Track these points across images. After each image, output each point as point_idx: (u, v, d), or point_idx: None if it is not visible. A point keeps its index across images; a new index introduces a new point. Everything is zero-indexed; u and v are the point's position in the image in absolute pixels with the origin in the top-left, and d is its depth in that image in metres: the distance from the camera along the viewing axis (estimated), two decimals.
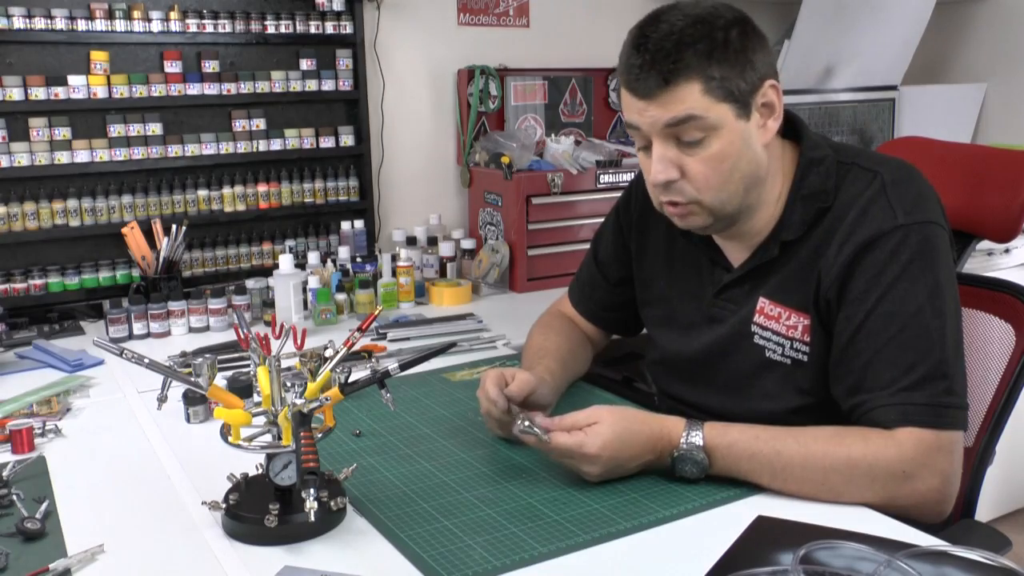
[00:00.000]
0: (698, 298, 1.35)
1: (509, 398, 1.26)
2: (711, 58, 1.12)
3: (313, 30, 2.37)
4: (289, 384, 1.11)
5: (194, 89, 2.26)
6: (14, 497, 1.17)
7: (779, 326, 1.24)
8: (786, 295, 1.23)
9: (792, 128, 1.27)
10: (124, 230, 2.12)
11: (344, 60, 2.45)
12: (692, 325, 1.35)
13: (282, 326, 1.30)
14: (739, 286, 1.29)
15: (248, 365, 1.66)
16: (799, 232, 1.22)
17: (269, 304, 2.09)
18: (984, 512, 1.45)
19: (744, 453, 1.14)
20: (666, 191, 1.20)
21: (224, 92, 2.29)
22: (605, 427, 1.15)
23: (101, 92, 2.15)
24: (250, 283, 2.15)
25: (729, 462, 1.15)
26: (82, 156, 2.16)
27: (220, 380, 1.17)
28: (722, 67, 1.12)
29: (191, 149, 2.27)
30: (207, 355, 1.25)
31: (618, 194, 1.53)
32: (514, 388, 1.27)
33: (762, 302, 1.26)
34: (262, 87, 2.34)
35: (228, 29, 2.27)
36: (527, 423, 1.17)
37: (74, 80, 2.12)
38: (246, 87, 2.32)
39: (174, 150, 2.26)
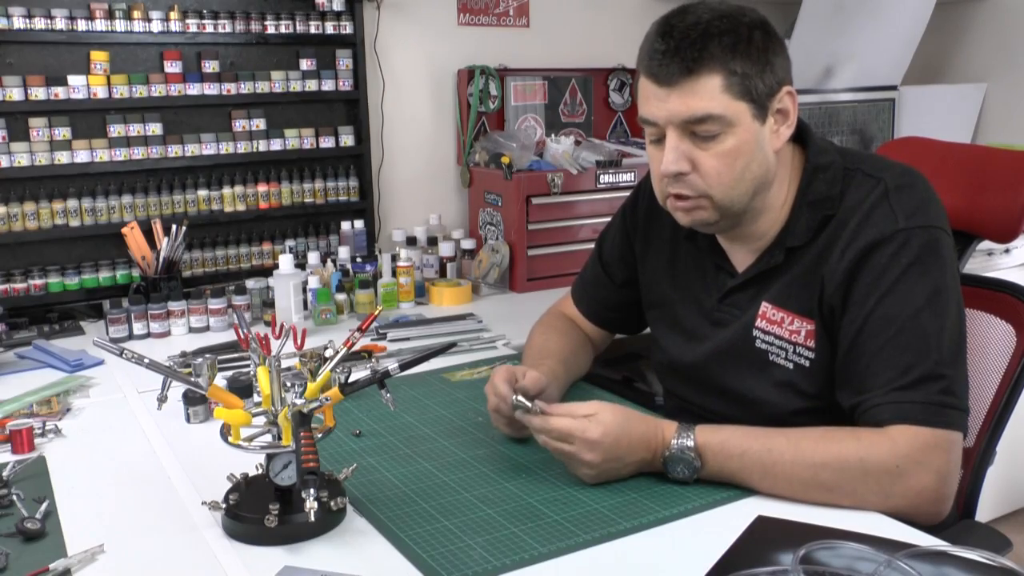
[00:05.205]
0: (702, 302, 1.35)
1: (522, 393, 1.27)
2: (735, 52, 1.13)
3: (313, 30, 2.37)
4: (289, 384, 1.11)
5: (194, 89, 2.26)
6: (14, 497, 1.17)
7: (782, 331, 1.24)
8: (789, 300, 1.23)
9: (798, 132, 1.27)
10: (124, 230, 2.12)
11: (344, 60, 2.45)
12: (696, 329, 1.35)
13: (282, 326, 1.30)
14: (743, 291, 1.29)
15: (248, 365, 1.66)
16: (805, 239, 1.22)
17: (269, 304, 2.09)
18: (984, 512, 1.45)
19: (735, 450, 1.14)
20: (675, 183, 1.19)
21: (224, 92, 2.29)
22: (607, 415, 1.15)
23: (101, 92, 2.15)
24: (250, 283, 2.15)
25: (721, 460, 1.15)
26: (82, 156, 2.16)
27: (220, 380, 1.17)
28: (744, 63, 1.14)
29: (191, 149, 2.27)
30: (207, 355, 1.25)
31: (618, 194, 1.53)
32: (527, 383, 1.28)
33: (764, 306, 1.26)
34: (262, 87, 2.34)
35: (228, 29, 2.27)
36: (519, 397, 1.19)
37: (74, 80, 2.12)
38: (246, 87, 2.32)
39: (174, 150, 2.26)
